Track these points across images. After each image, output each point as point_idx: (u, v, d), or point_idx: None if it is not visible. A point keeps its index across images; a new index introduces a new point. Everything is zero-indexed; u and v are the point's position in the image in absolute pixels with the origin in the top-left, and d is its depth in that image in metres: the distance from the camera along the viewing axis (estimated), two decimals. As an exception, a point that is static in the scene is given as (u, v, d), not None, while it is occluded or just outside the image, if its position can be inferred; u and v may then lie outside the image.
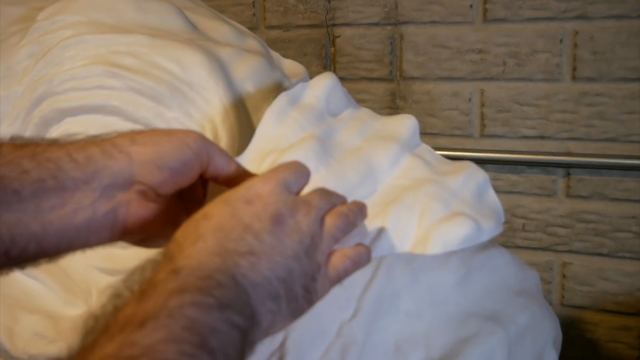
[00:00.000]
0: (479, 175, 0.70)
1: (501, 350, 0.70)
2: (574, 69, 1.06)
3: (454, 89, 1.13)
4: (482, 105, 1.12)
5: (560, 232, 1.12)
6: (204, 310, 0.37)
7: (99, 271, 0.71)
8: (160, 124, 0.71)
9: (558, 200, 1.12)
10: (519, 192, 1.14)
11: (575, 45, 1.05)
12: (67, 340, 0.68)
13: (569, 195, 1.11)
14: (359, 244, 0.53)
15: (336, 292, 0.62)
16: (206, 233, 0.43)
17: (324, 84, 0.70)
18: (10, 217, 0.44)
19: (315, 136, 0.64)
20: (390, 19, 1.15)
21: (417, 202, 0.63)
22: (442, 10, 1.12)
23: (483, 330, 0.70)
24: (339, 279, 0.50)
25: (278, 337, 0.64)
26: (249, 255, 0.43)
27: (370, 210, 0.57)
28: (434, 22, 1.13)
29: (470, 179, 0.69)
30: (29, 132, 0.74)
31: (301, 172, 0.51)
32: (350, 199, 0.55)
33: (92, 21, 0.76)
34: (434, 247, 0.62)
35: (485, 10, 1.09)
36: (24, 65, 0.75)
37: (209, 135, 0.70)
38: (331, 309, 0.67)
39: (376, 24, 1.16)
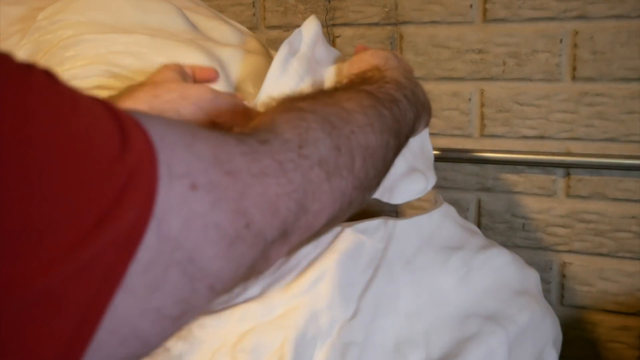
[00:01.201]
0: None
1: (501, 350, 0.70)
2: (574, 69, 1.06)
3: (454, 89, 1.13)
4: (482, 105, 1.12)
5: (560, 232, 1.12)
6: (398, 92, 0.63)
7: None
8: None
9: (558, 200, 1.12)
10: (519, 192, 1.14)
11: (575, 45, 1.05)
12: None
13: (569, 195, 1.11)
14: None
15: (336, 292, 0.62)
16: (392, 66, 0.71)
17: (311, 31, 0.81)
18: None
19: (312, 84, 0.76)
20: (390, 19, 1.15)
21: None
22: (442, 10, 1.12)
23: (483, 330, 0.71)
24: (427, 125, 0.77)
25: (278, 337, 0.64)
26: (415, 85, 0.70)
27: None
28: (433, 22, 1.13)
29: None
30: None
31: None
32: None
33: (92, 21, 0.76)
34: (397, 198, 0.75)
35: (485, 10, 1.09)
36: (24, 65, 0.75)
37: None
38: (331, 309, 0.67)
39: (376, 24, 1.16)
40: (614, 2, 1.02)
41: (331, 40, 1.19)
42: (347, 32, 1.19)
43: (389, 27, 1.16)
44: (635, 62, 1.02)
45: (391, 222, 0.75)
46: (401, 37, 1.15)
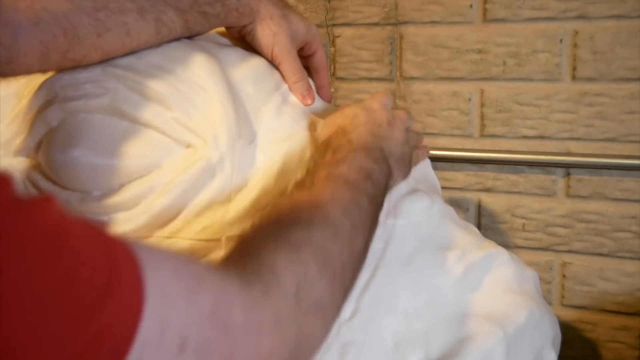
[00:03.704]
0: (424, 159, 0.88)
1: (500, 350, 0.70)
2: (574, 69, 1.06)
3: (454, 89, 1.13)
4: (482, 105, 1.13)
5: (560, 232, 1.12)
6: (366, 161, 0.65)
7: None
8: (160, 124, 0.71)
9: (558, 200, 1.12)
10: (519, 192, 1.14)
11: (575, 45, 1.05)
12: None
13: (569, 195, 1.11)
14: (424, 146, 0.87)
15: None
16: (359, 124, 0.71)
17: None
18: None
19: (306, 128, 0.78)
20: (390, 19, 1.15)
21: None
22: (442, 10, 1.12)
23: (482, 330, 0.71)
24: (415, 164, 0.81)
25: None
26: (385, 139, 0.71)
27: None
28: (433, 22, 1.13)
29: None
30: (27, 133, 0.74)
31: (389, 99, 0.79)
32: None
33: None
34: (403, 217, 0.77)
35: (485, 10, 1.09)
36: (24, 65, 0.75)
37: (209, 137, 0.70)
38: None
39: (376, 24, 1.16)
40: (614, 2, 1.02)
41: (331, 40, 1.20)
42: (347, 32, 1.19)
43: (389, 27, 1.16)
44: (635, 62, 1.02)
45: (390, 222, 0.75)
46: (401, 37, 1.15)
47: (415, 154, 0.81)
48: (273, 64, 0.82)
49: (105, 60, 0.70)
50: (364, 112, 0.73)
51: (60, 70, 0.70)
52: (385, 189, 0.67)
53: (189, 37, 0.78)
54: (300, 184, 0.62)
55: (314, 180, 0.61)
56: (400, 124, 0.76)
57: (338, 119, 0.74)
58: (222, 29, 0.83)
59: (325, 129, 0.74)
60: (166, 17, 0.71)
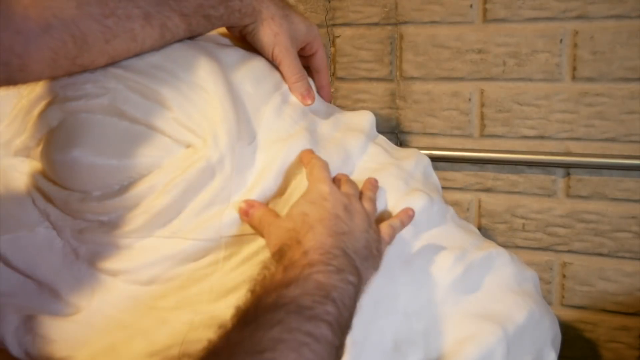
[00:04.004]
0: (425, 159, 0.88)
1: (500, 349, 0.70)
2: (574, 69, 1.06)
3: (454, 89, 1.13)
4: (482, 105, 1.12)
5: (560, 232, 1.12)
6: (326, 275, 0.56)
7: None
8: (160, 125, 0.71)
9: (558, 200, 1.12)
10: (519, 192, 1.14)
11: (575, 45, 1.05)
12: None
13: (569, 195, 1.11)
14: (397, 215, 0.74)
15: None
16: (314, 224, 0.63)
17: None
18: None
19: (306, 128, 0.77)
20: (390, 19, 1.15)
21: (385, 181, 0.78)
22: (442, 10, 1.12)
23: (481, 330, 0.71)
24: (390, 241, 0.71)
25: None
26: (346, 234, 0.63)
27: None
28: (434, 22, 1.13)
29: (420, 163, 0.86)
30: (27, 132, 0.74)
31: (325, 163, 0.72)
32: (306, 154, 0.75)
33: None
34: None
35: (485, 10, 1.09)
36: (24, 66, 0.75)
37: (209, 137, 0.70)
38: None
39: (376, 24, 1.16)
40: (614, 2, 1.02)
41: (331, 40, 1.20)
42: (347, 32, 1.19)
43: (389, 27, 1.16)
44: (635, 62, 1.02)
45: (390, 222, 0.75)
46: (401, 37, 1.15)
47: (385, 229, 0.70)
48: (273, 63, 0.82)
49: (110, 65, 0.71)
50: (313, 206, 0.65)
51: (103, 67, 0.70)
52: (353, 301, 0.58)
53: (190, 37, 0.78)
54: (242, 315, 0.53)
55: (258, 311, 0.52)
56: (358, 205, 0.68)
57: (286, 223, 0.65)
58: (223, 29, 0.83)
59: (273, 236, 0.65)
60: (171, 22, 0.72)
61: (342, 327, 0.55)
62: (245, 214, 0.70)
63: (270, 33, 0.79)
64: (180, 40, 0.75)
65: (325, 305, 0.54)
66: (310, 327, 0.51)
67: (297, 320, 0.51)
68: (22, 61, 0.61)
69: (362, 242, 0.64)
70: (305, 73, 0.84)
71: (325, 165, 0.71)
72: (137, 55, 0.71)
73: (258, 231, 0.69)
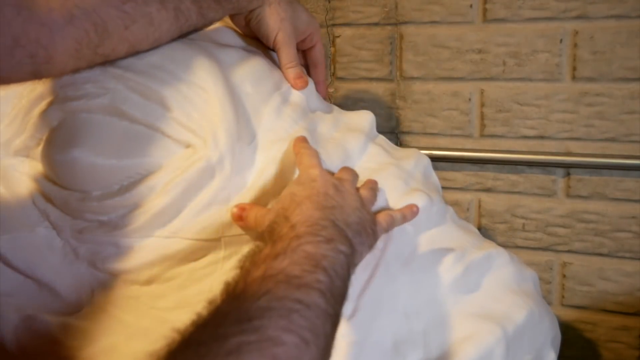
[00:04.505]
0: (424, 159, 0.88)
1: (499, 349, 0.70)
2: (574, 69, 1.06)
3: (454, 89, 1.14)
4: (482, 105, 1.13)
5: (560, 232, 1.12)
6: (315, 245, 0.56)
7: None
8: (160, 125, 0.71)
9: (558, 200, 1.12)
10: (519, 192, 1.14)
11: (575, 45, 1.05)
12: None
13: (569, 195, 1.11)
14: (400, 209, 0.74)
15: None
16: (302, 200, 0.63)
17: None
18: None
19: (306, 128, 0.77)
20: (390, 19, 1.15)
21: (385, 181, 0.78)
22: (442, 10, 1.12)
23: (481, 330, 0.71)
24: (387, 229, 0.70)
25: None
26: (336, 208, 0.63)
27: None
28: (434, 22, 1.13)
29: (419, 163, 0.86)
30: (27, 132, 0.74)
31: (318, 156, 0.71)
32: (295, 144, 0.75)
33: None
34: None
35: (485, 10, 1.09)
36: (24, 65, 0.75)
37: (208, 137, 0.70)
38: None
39: (376, 24, 1.16)
40: (614, 2, 1.02)
41: (331, 40, 1.20)
42: (347, 32, 1.19)
43: (389, 27, 1.16)
44: (635, 62, 1.02)
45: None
46: (401, 37, 1.15)
47: (383, 216, 0.71)
48: (272, 60, 0.83)
49: (131, 53, 0.71)
50: (301, 187, 0.65)
51: (92, 67, 0.70)
52: (346, 270, 0.57)
53: (189, 33, 0.78)
54: (231, 289, 0.52)
55: (246, 284, 0.51)
56: (350, 186, 0.69)
57: (276, 204, 0.65)
58: (224, 22, 0.83)
59: (265, 219, 0.65)
60: (184, 5, 0.72)
61: (336, 295, 0.54)
62: (240, 218, 0.69)
63: (277, 18, 0.80)
64: (179, 40, 0.75)
65: (315, 274, 0.53)
66: (299, 294, 0.50)
67: (286, 288, 0.50)
68: (48, 53, 0.61)
69: (354, 218, 0.64)
70: (298, 61, 0.84)
71: (314, 153, 0.71)
72: (156, 40, 0.72)
73: (256, 232, 0.69)
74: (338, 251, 0.57)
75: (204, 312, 0.49)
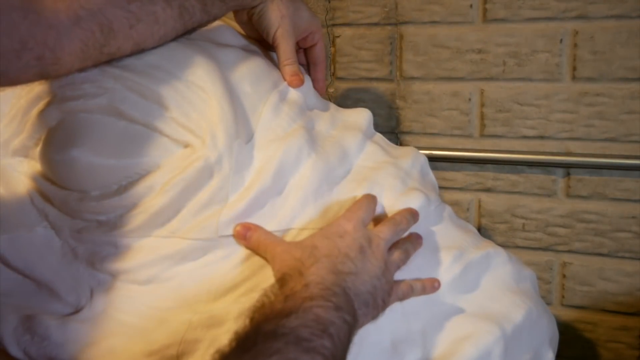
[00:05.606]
0: (422, 158, 0.88)
1: (497, 349, 0.70)
2: (574, 69, 1.06)
3: (454, 89, 1.13)
4: (482, 105, 1.12)
5: (560, 232, 1.12)
6: (325, 310, 0.57)
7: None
8: (159, 124, 0.71)
9: (558, 200, 1.11)
10: (519, 192, 1.14)
11: (575, 45, 1.05)
12: None
13: (569, 195, 1.11)
14: (423, 280, 0.72)
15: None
16: (320, 257, 0.63)
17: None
18: None
19: (303, 127, 0.77)
20: (390, 19, 1.15)
21: (382, 180, 0.78)
22: (442, 10, 1.12)
23: (479, 329, 0.71)
24: (402, 298, 0.70)
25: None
26: (351, 275, 0.63)
27: (347, 186, 0.77)
28: (434, 22, 1.13)
29: (417, 161, 0.86)
30: (26, 132, 0.74)
31: (372, 207, 0.72)
32: (332, 177, 0.76)
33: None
34: None
35: (485, 10, 1.09)
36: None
37: (207, 137, 0.70)
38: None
39: (376, 24, 1.16)
40: (614, 2, 1.02)
41: (331, 40, 1.20)
42: (347, 32, 1.19)
43: (389, 27, 1.16)
44: (635, 62, 1.02)
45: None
46: (401, 37, 1.15)
47: (403, 286, 0.70)
48: (271, 57, 0.83)
49: (137, 52, 0.72)
50: (326, 241, 0.65)
51: (97, 66, 0.71)
52: (348, 339, 0.59)
53: (193, 30, 0.78)
54: (241, 341, 0.54)
55: (257, 338, 0.53)
56: (380, 248, 0.68)
57: (295, 251, 0.65)
58: (223, 19, 0.83)
59: (278, 260, 0.65)
60: (188, 2, 0.73)
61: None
62: (242, 237, 0.70)
63: (278, 14, 0.81)
64: (177, 40, 0.75)
65: (322, 339, 0.54)
66: (307, 358, 0.52)
67: (295, 351, 0.52)
68: (55, 54, 0.62)
69: (368, 287, 0.64)
70: (297, 59, 0.84)
71: (364, 205, 0.70)
72: (161, 38, 0.72)
73: (257, 253, 0.70)
74: (344, 320, 0.58)
75: None
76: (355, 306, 0.61)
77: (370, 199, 0.72)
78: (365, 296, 0.63)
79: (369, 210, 0.71)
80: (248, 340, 0.53)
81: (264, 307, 0.58)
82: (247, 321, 0.57)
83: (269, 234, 0.70)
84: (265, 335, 0.53)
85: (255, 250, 0.70)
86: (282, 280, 0.62)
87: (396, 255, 0.70)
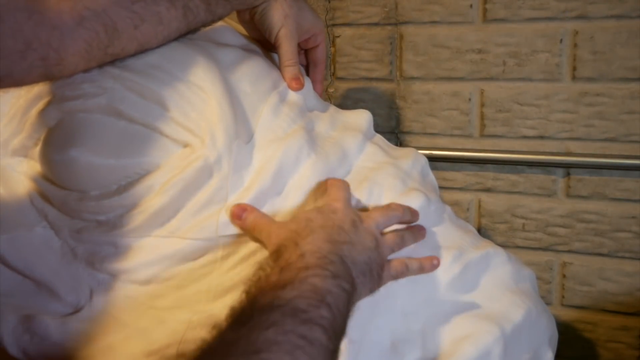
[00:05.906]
0: (422, 159, 0.87)
1: (497, 348, 0.70)
2: (574, 69, 1.06)
3: (454, 89, 1.13)
4: (482, 105, 1.12)
5: (560, 232, 1.12)
6: (322, 279, 0.56)
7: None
8: (158, 124, 0.71)
9: (558, 200, 1.11)
10: (519, 192, 1.14)
11: (575, 45, 1.05)
12: None
13: (569, 195, 1.11)
14: (420, 258, 0.72)
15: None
16: (315, 228, 0.63)
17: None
18: None
19: (303, 128, 0.77)
20: (390, 19, 1.15)
21: (382, 180, 0.78)
22: (442, 10, 1.12)
23: (479, 329, 0.71)
24: (396, 276, 0.69)
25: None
26: (347, 244, 0.63)
27: None
28: (434, 22, 1.13)
29: (417, 162, 0.86)
30: (25, 132, 0.74)
31: (347, 187, 0.72)
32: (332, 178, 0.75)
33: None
34: None
35: (485, 10, 1.09)
36: (23, 65, 0.75)
37: (206, 137, 0.70)
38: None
39: (376, 24, 1.16)
40: (614, 2, 1.02)
41: (331, 40, 1.20)
42: (347, 32, 1.19)
43: (389, 27, 1.16)
44: (635, 62, 1.02)
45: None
46: (401, 37, 1.15)
47: (396, 263, 0.70)
48: (272, 58, 0.83)
49: (140, 52, 0.72)
50: (320, 215, 0.66)
51: (101, 66, 0.71)
52: (347, 308, 0.58)
53: (197, 30, 0.78)
54: (237, 315, 0.53)
55: (254, 311, 0.52)
56: (371, 226, 0.68)
57: (290, 224, 0.65)
58: (226, 19, 0.83)
59: (274, 235, 0.65)
60: (192, 3, 0.73)
61: (337, 331, 0.55)
62: (238, 217, 0.69)
63: (281, 14, 0.80)
64: (177, 40, 0.75)
65: (319, 309, 0.54)
66: (304, 330, 0.51)
67: (292, 322, 0.51)
68: (59, 55, 0.62)
69: (363, 257, 0.64)
70: (298, 60, 0.84)
71: (340, 186, 0.71)
72: (164, 38, 0.72)
73: (252, 235, 0.69)
74: (342, 289, 0.58)
75: (210, 339, 0.50)
76: (354, 274, 0.61)
77: (340, 181, 0.72)
78: (362, 266, 0.63)
79: (347, 190, 0.71)
80: (244, 314, 0.53)
81: (260, 281, 0.57)
82: (244, 295, 0.56)
83: (264, 215, 0.69)
84: (261, 308, 0.52)
85: (250, 231, 0.69)
86: (277, 252, 0.61)
87: (389, 236, 0.70)
